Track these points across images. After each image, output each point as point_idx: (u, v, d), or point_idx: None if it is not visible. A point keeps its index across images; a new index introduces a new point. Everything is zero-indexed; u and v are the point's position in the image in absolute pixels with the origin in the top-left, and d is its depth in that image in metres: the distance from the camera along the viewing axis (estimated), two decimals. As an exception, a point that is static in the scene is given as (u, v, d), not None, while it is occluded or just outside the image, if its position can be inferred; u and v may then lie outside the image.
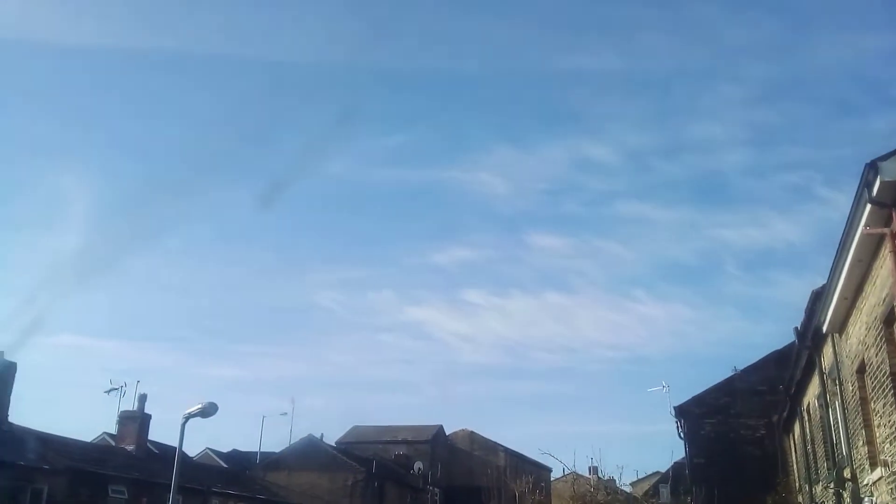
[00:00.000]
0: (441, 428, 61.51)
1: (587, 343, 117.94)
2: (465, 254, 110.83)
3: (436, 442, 59.89)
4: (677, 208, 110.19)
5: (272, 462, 48.16)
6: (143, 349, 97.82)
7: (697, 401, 26.02)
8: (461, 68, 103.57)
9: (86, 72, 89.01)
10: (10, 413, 27.17)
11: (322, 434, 51.29)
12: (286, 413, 54.65)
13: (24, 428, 27.60)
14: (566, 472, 33.80)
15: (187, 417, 17.38)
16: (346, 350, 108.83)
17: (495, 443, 63.05)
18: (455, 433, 63.60)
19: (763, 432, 24.63)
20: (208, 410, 17.34)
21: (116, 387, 40.14)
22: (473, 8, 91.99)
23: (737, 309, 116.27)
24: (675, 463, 30.12)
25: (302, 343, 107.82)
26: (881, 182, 8.16)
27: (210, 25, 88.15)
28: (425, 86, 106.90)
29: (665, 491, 34.56)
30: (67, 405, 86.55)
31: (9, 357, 26.91)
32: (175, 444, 18.65)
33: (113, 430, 36.11)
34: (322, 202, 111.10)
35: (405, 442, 58.21)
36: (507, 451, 61.88)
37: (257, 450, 51.64)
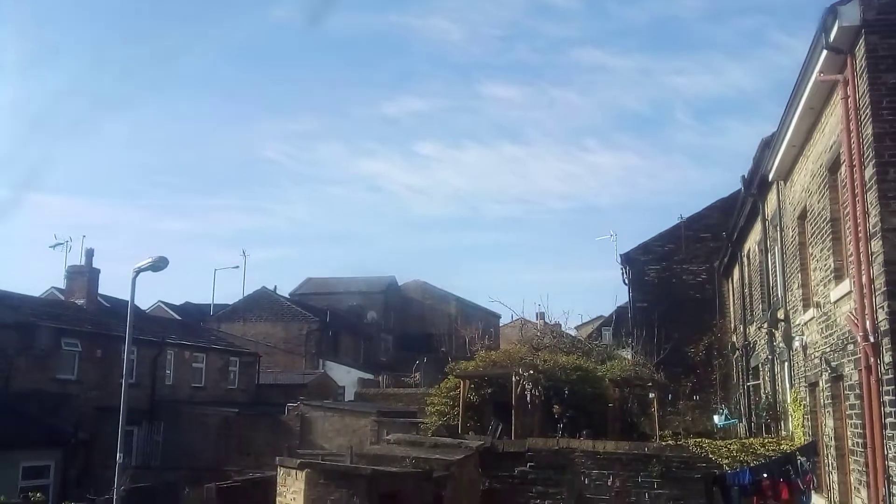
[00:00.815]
0: (394, 279, 62.63)
1: (540, 194, 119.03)
2: (417, 104, 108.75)
3: (388, 293, 61.14)
4: (633, 55, 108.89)
5: (226, 314, 48.79)
6: (90, 204, 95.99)
7: (643, 248, 26.77)
8: None
9: None
10: (-47, 270, 26.71)
11: (276, 286, 51.84)
12: (238, 266, 54.46)
13: (-31, 284, 27.21)
14: (514, 318, 35.00)
15: (138, 271, 17.28)
16: (297, 203, 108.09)
17: (447, 292, 64.59)
18: (407, 284, 64.87)
19: (704, 277, 25.65)
20: (158, 264, 17.23)
21: (62, 241, 39.54)
22: None
23: (687, 157, 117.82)
24: (618, 307, 31.32)
25: (252, 197, 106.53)
26: (839, 27, 8.06)
27: None
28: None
29: (608, 333, 36.18)
30: (11, 261, 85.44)
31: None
32: (127, 298, 18.66)
33: (61, 285, 35.90)
34: (266, 50, 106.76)
35: (358, 292, 59.26)
36: (458, 300, 63.57)
37: (210, 302, 52.09)
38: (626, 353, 20.97)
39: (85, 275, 32.90)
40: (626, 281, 26.65)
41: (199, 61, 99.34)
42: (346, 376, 43.69)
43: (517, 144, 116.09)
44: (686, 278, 25.89)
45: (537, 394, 15.05)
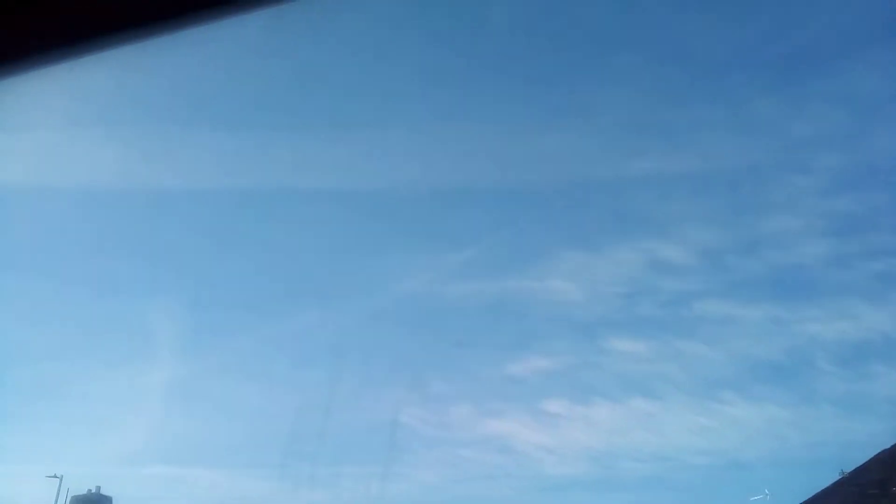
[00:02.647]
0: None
1: (678, 450, 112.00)
2: (542, 363, 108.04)
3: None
4: (760, 305, 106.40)
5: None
6: (234, 476, 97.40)
7: (805, 509, 24.67)
8: (527, 182, 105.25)
9: (166, 213, 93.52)
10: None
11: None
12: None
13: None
14: None
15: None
16: (429, 467, 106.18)
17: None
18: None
19: (881, 540, 23.11)
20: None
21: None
22: (534, 121, 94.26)
23: (836, 406, 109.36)
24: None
25: (381, 462, 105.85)
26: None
27: (278, 161, 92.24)
28: (492, 200, 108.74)
29: None
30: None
31: (105, 492, 27.57)
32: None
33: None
34: (395, 320, 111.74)
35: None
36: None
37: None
38: None
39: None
40: (792, 547, 24.30)
41: (331, 333, 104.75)
42: None
43: (648, 398, 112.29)
44: (860, 541, 23.39)
45: None
